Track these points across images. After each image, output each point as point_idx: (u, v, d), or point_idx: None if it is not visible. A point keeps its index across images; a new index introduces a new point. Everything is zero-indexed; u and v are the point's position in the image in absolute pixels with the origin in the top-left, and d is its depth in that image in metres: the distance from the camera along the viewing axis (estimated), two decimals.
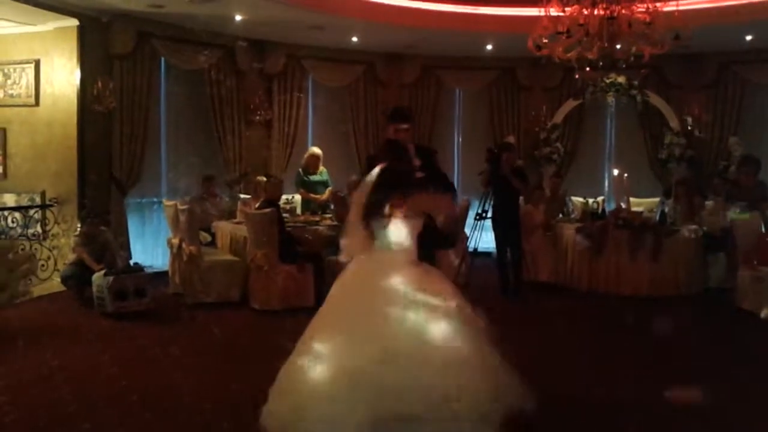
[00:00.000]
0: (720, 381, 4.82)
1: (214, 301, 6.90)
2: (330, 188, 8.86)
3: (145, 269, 7.08)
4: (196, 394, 4.48)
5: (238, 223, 7.67)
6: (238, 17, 8.39)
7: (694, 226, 7.81)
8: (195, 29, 8.75)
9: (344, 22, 8.76)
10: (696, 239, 7.73)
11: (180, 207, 7.20)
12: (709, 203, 8.46)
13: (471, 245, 8.63)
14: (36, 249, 7.71)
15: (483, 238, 8.73)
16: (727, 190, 8.24)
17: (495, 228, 8.04)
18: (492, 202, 8.08)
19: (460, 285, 7.82)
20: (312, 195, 8.72)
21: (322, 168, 8.88)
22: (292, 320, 6.35)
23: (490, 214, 8.15)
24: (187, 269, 7.06)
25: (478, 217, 8.44)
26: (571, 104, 10.59)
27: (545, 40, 6.80)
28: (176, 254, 7.38)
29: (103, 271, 6.63)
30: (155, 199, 9.03)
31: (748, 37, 9.23)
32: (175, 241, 7.40)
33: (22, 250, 7.27)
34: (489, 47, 10.15)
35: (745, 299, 6.89)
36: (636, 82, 9.97)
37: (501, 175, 7.71)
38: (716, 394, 4.48)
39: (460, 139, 11.32)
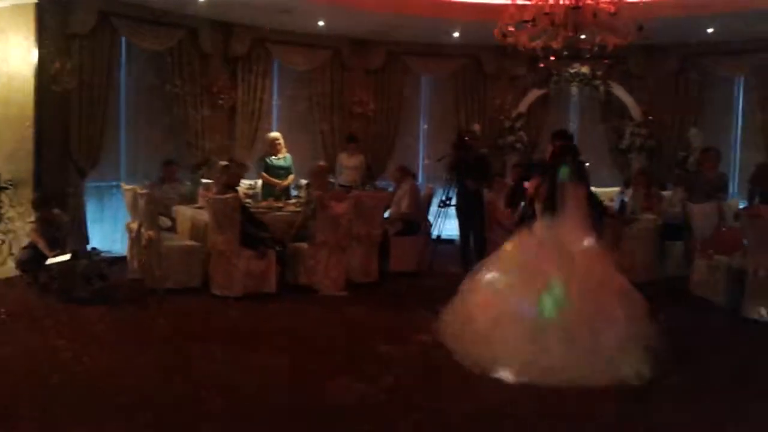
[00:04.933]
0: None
1: (173, 286, 6.78)
2: (293, 175, 8.77)
3: (102, 254, 6.95)
4: (154, 379, 4.43)
5: (199, 207, 7.56)
6: None
7: (653, 216, 7.95)
8: (157, 9, 8.56)
9: (311, 7, 8.65)
10: (654, 228, 7.87)
11: (139, 191, 7.07)
12: (667, 193, 8.62)
13: (435, 232, 8.66)
14: None
15: (447, 226, 8.78)
16: (688, 180, 8.39)
17: (458, 215, 8.08)
18: (456, 190, 8.12)
19: (424, 272, 8.01)
20: (274, 180, 8.62)
21: (286, 153, 8.78)
22: (253, 306, 6.37)
23: (454, 202, 8.18)
24: (146, 254, 6.95)
25: (442, 205, 8.47)
26: (535, 93, 10.66)
27: (511, 29, 6.81)
28: (135, 239, 7.26)
29: (64, 256, 6.50)
30: (114, 183, 8.84)
31: (710, 30, 9.38)
32: (134, 225, 7.27)
33: None
34: (456, 35, 10.14)
35: (701, 287, 7.05)
36: (599, 73, 10.06)
37: (466, 163, 7.75)
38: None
39: (426, 126, 11.32)
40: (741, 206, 7.84)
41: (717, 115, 10.39)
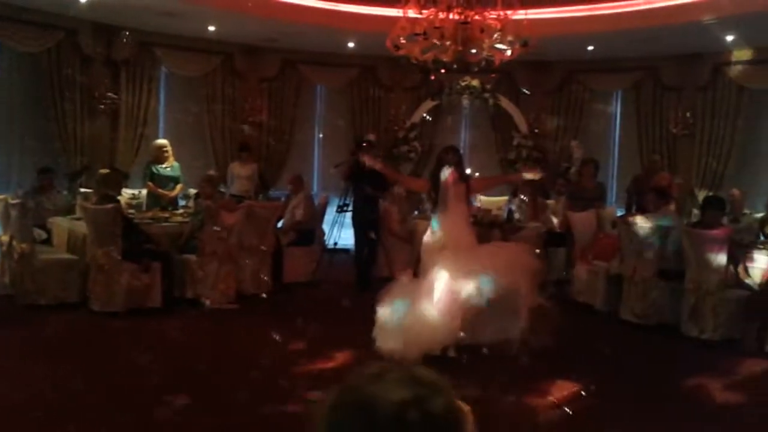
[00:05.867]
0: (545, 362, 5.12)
1: (49, 302, 6.38)
2: (181, 184, 8.47)
3: None
4: (24, 402, 4.14)
5: (77, 219, 7.15)
6: None
7: (537, 224, 8.26)
8: (34, 9, 8.07)
9: (198, 10, 8.41)
10: (539, 235, 8.18)
11: (11, 201, 6.62)
12: (551, 202, 8.99)
13: (331, 241, 8.61)
14: None
15: (343, 234, 8.75)
16: (569, 190, 8.78)
17: (354, 224, 8.08)
18: (353, 197, 8.12)
19: (319, 282, 7.94)
20: (160, 190, 8.27)
21: (173, 162, 8.45)
22: (135, 322, 6.07)
23: (351, 208, 8.18)
24: (18, 269, 6.50)
25: (339, 210, 8.46)
26: (428, 104, 10.86)
27: (403, 41, 6.89)
28: (6, 252, 6.78)
29: None
30: None
31: (590, 48, 9.89)
32: (5, 238, 6.81)
33: None
34: (351, 45, 10.17)
35: (581, 292, 7.38)
36: (489, 86, 10.38)
37: (362, 170, 7.77)
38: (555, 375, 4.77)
39: (321, 135, 11.28)
40: (618, 214, 8.29)
41: (597, 128, 10.97)
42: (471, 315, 5.12)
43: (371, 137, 9.55)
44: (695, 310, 6.04)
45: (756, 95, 9.65)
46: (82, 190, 8.28)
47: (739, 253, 6.29)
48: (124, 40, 8.99)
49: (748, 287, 6.09)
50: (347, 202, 8.26)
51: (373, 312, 5.82)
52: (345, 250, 9.07)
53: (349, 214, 8.23)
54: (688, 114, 10.02)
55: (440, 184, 5.61)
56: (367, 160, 6.31)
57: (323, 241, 8.55)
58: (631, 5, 8.53)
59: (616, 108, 11.10)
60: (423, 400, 0.99)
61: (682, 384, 4.90)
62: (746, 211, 7.92)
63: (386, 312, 5.23)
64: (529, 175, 6.76)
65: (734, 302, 5.96)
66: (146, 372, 4.76)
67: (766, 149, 9.77)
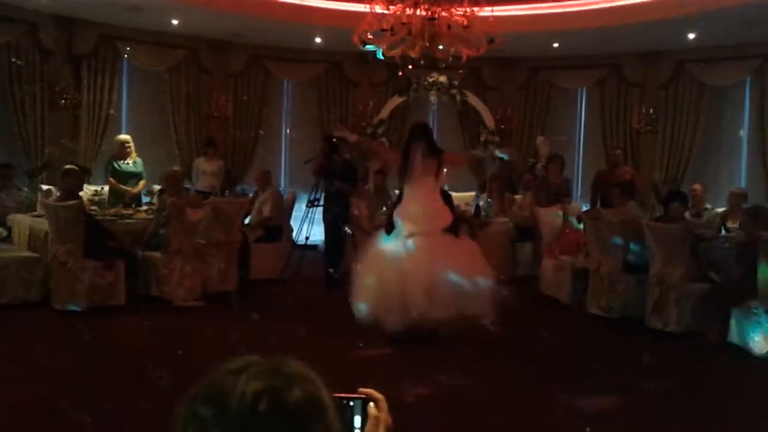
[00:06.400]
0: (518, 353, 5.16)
1: (9, 302, 6.21)
2: (144, 181, 8.32)
3: None
4: None
5: (38, 216, 6.98)
6: None
7: (505, 219, 8.33)
8: None
9: (163, 3, 8.29)
10: (507, 231, 8.25)
11: None
12: (518, 197, 9.07)
13: (301, 236, 8.56)
14: None
15: (314, 230, 8.69)
16: (536, 185, 8.87)
17: (324, 219, 8.05)
18: (323, 194, 8.09)
19: (287, 279, 7.89)
20: (122, 186, 8.11)
21: (136, 157, 8.30)
22: (98, 321, 5.95)
23: (322, 203, 8.15)
24: None
25: (309, 204, 8.41)
26: (396, 100, 10.85)
27: (370, 36, 6.88)
28: None
29: None
30: None
31: (555, 45, 10.00)
32: None
33: None
34: (318, 40, 10.11)
35: (548, 286, 7.46)
36: (456, 82, 10.42)
37: (333, 165, 7.75)
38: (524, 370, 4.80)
39: (288, 131, 11.20)
40: (583, 209, 8.40)
41: (562, 124, 11.10)
42: (431, 292, 5.32)
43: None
44: (659, 303, 6.13)
45: (717, 92, 9.85)
46: (44, 187, 8.10)
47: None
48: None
49: (710, 280, 6.21)
50: (318, 197, 8.23)
51: (342, 306, 5.85)
52: (316, 246, 9.02)
53: (319, 210, 8.20)
54: (651, 110, 10.20)
55: (409, 158, 5.77)
56: (341, 131, 6.40)
57: (292, 238, 8.49)
58: (596, 3, 8.64)
59: (581, 104, 11.24)
60: (276, 390, 0.99)
61: (644, 376, 4.95)
62: (708, 205, 8.09)
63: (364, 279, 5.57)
64: (501, 153, 6.91)
65: (697, 295, 6.07)
66: (110, 372, 4.68)
67: (728, 145, 9.99)
